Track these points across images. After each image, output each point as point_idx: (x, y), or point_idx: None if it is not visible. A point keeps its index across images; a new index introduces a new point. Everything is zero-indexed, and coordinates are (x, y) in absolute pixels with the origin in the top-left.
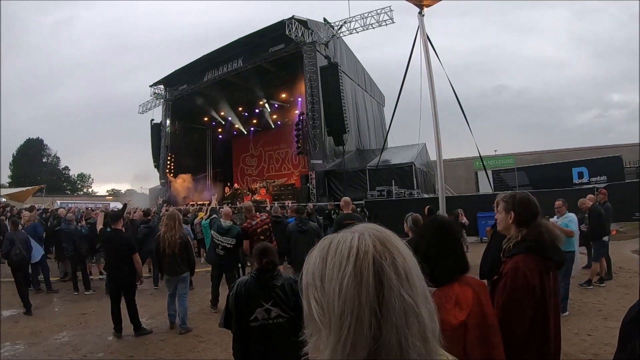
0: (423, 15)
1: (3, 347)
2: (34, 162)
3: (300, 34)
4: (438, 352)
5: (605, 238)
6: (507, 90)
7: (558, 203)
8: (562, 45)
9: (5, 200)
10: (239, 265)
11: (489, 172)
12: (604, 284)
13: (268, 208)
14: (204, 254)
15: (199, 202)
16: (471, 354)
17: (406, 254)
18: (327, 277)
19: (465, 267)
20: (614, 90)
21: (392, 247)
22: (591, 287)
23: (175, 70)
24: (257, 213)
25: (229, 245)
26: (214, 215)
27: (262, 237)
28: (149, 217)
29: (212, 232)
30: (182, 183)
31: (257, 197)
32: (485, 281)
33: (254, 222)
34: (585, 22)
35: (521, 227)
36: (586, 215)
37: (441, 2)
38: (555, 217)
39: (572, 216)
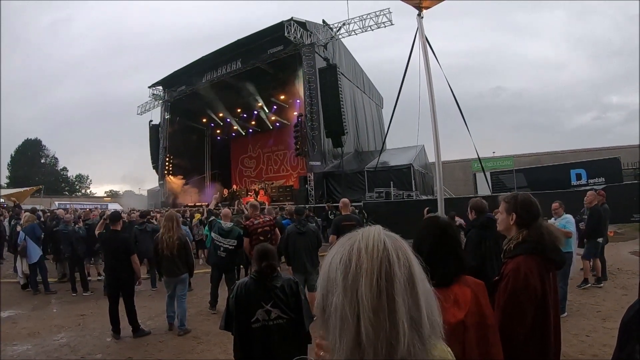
0: (422, 17)
1: (1, 348)
2: (33, 163)
3: (299, 36)
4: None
5: (600, 240)
6: (505, 92)
7: (555, 205)
8: (560, 47)
9: (3, 201)
10: (242, 265)
11: (487, 174)
12: (601, 284)
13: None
14: (202, 256)
15: (197, 204)
16: (470, 353)
17: (366, 261)
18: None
19: (465, 269)
20: (612, 92)
21: (357, 251)
22: (588, 285)
23: (174, 72)
24: (262, 214)
25: (230, 247)
26: (212, 218)
27: (261, 238)
28: (144, 220)
29: (213, 234)
30: (170, 185)
31: (259, 199)
32: (482, 281)
33: (255, 222)
34: (583, 23)
35: (522, 228)
36: (585, 216)
37: (440, 4)
38: (553, 218)
39: (570, 217)
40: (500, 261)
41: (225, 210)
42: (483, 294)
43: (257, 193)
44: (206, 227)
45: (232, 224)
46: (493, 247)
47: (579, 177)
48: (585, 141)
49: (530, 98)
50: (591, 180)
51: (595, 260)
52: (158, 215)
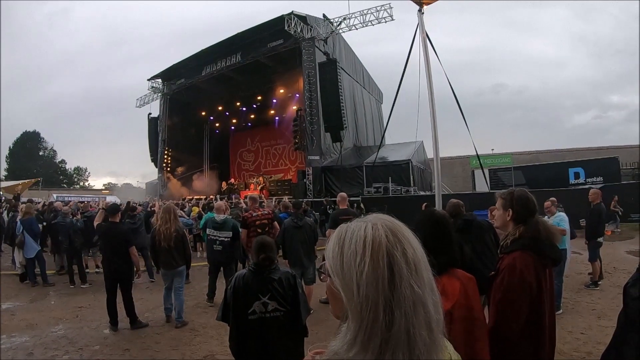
0: (422, 13)
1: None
2: (31, 156)
3: (299, 30)
4: (442, 342)
5: (600, 239)
6: (505, 89)
7: (547, 204)
8: (561, 45)
9: (1, 193)
10: (237, 260)
11: (486, 171)
12: (598, 287)
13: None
14: (200, 249)
15: (195, 197)
16: (454, 344)
17: (415, 246)
18: (345, 265)
19: (456, 262)
20: (613, 92)
21: (403, 237)
22: (598, 288)
23: (173, 64)
24: (260, 207)
25: (226, 239)
26: (206, 215)
27: (259, 230)
28: (135, 213)
29: (208, 230)
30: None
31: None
32: (473, 276)
33: (254, 214)
34: (586, 21)
35: (519, 224)
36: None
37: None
38: (546, 217)
39: (563, 215)
40: (488, 259)
41: (219, 204)
42: (472, 288)
43: (264, 186)
44: (201, 222)
45: (225, 216)
46: (479, 247)
47: (577, 176)
48: (584, 140)
49: (530, 96)
50: (589, 180)
51: (594, 263)
52: (156, 205)
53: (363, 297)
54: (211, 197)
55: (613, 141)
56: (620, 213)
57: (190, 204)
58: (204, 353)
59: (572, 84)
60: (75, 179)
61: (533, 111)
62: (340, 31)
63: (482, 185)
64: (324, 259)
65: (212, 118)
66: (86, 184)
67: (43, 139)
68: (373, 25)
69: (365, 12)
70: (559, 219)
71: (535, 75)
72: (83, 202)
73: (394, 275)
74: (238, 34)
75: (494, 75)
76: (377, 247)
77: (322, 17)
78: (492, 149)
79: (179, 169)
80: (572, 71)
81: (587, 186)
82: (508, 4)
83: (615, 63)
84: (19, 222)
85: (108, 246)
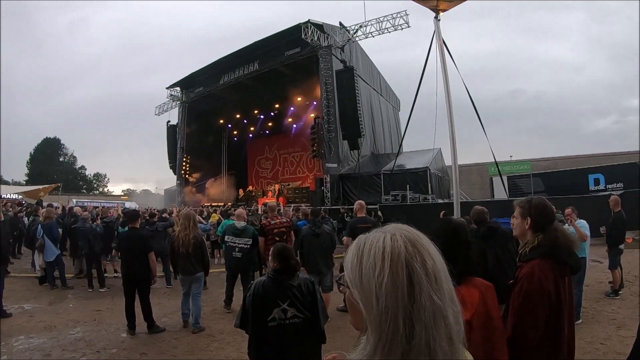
0: (439, 20)
1: (17, 341)
2: (51, 161)
3: (316, 38)
4: (462, 354)
5: (621, 246)
6: (523, 95)
7: (568, 211)
8: (579, 49)
9: (21, 197)
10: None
11: (504, 178)
12: (618, 296)
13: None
14: (218, 255)
15: (213, 204)
16: (474, 353)
17: (435, 256)
18: (364, 277)
19: (474, 271)
20: (633, 96)
21: (423, 248)
22: (618, 297)
23: (192, 73)
24: (279, 215)
25: (245, 246)
26: (224, 222)
27: (277, 238)
28: (154, 220)
29: (227, 237)
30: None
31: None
32: (492, 284)
33: (272, 222)
34: (603, 24)
35: (537, 232)
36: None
37: (457, 6)
38: (566, 224)
39: (583, 222)
40: (511, 268)
41: (239, 211)
42: (491, 296)
43: (280, 192)
44: (219, 228)
45: (245, 223)
46: (502, 255)
47: (597, 182)
48: (603, 146)
49: (548, 101)
50: (609, 186)
51: (615, 271)
52: (174, 211)
53: (382, 308)
54: (229, 204)
55: (633, 146)
56: None
57: (209, 210)
58: (220, 359)
59: (590, 88)
60: (95, 185)
61: (551, 117)
62: (357, 39)
63: (500, 193)
64: (341, 270)
65: (230, 126)
66: (105, 189)
67: (63, 145)
68: (389, 32)
69: (381, 19)
70: (580, 225)
71: (553, 80)
72: (98, 207)
73: (414, 286)
74: (255, 42)
75: (511, 81)
76: (396, 259)
77: (338, 25)
78: (511, 156)
79: (195, 175)
80: (590, 75)
81: (607, 192)
82: (524, 9)
83: (633, 66)
84: (39, 226)
85: (128, 251)
